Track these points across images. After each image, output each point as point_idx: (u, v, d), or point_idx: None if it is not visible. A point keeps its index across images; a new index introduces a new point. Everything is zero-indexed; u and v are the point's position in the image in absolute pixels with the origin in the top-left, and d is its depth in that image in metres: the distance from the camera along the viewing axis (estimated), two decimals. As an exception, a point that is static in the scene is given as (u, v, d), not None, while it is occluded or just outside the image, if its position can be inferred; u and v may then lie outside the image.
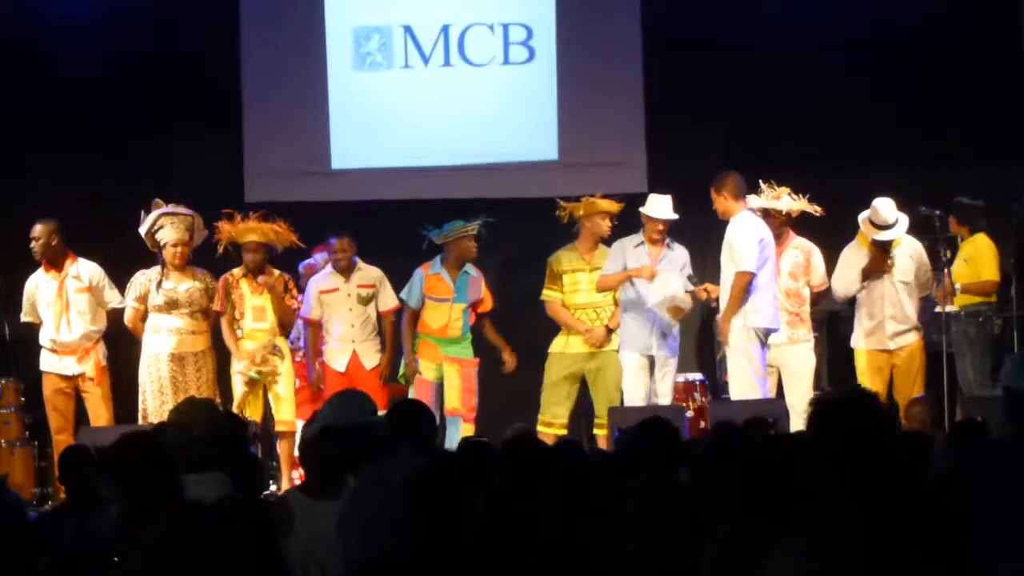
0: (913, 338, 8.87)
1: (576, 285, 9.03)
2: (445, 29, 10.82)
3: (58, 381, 8.89)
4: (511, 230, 9.42)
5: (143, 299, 8.66)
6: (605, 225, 9.01)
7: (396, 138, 10.82)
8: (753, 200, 8.61)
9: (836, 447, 3.16)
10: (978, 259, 9.00)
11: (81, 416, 8.96)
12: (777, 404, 7.98)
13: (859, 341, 8.96)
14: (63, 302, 8.88)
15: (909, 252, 8.97)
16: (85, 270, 8.95)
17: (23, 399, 9.28)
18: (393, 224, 9.92)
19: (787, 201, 8.84)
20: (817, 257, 8.96)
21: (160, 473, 3.86)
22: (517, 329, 9.37)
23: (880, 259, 8.85)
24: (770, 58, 10.46)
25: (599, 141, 10.63)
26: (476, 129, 10.83)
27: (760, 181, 8.86)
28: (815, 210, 8.85)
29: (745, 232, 8.22)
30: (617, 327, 8.90)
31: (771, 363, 8.63)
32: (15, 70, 10.40)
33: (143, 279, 8.71)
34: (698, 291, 8.62)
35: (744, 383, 8.11)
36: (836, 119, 10.42)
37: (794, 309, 8.79)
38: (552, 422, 8.94)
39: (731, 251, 8.21)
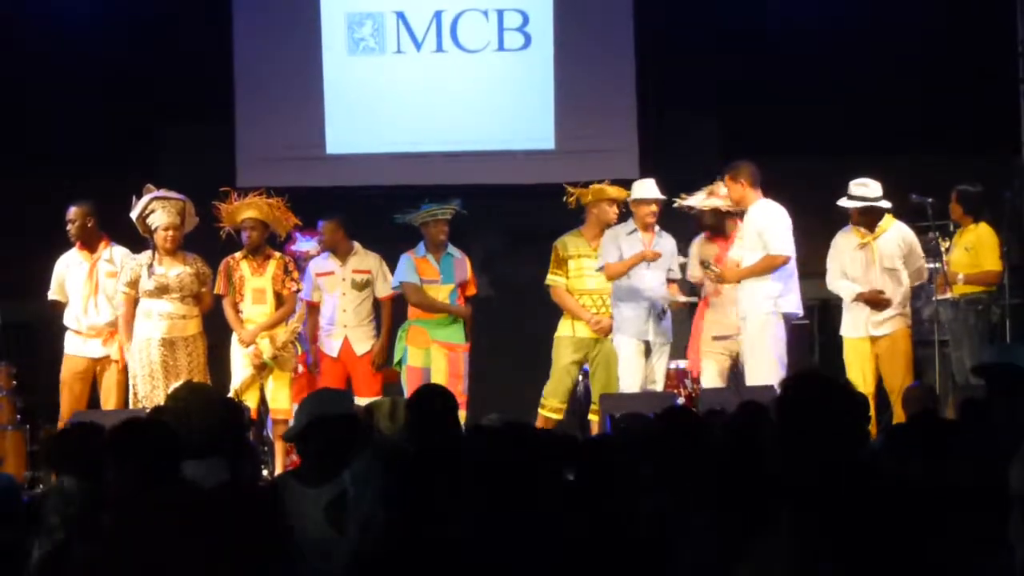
0: (897, 325, 8.85)
1: (582, 271, 9.02)
2: (438, 15, 10.83)
3: (80, 364, 8.85)
4: (505, 216, 9.43)
5: (133, 284, 8.65)
6: (612, 212, 9.01)
7: (391, 124, 10.84)
8: (692, 199, 8.67)
9: (799, 433, 3.16)
10: (981, 249, 9.00)
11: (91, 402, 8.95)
12: (769, 391, 7.95)
13: (845, 329, 8.94)
14: (93, 284, 8.87)
15: (897, 240, 8.95)
16: (118, 255, 8.95)
17: (15, 383, 9.27)
18: (388, 210, 9.91)
19: (722, 196, 8.79)
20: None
21: (162, 457, 3.86)
22: (510, 315, 9.38)
23: (874, 296, 8.81)
24: (764, 47, 10.48)
25: (592, 128, 10.66)
26: (471, 115, 10.85)
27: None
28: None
29: (779, 218, 8.24)
30: None
31: (724, 352, 8.72)
32: (2, 56, 10.39)
33: (133, 264, 8.68)
34: (707, 274, 8.63)
35: (770, 368, 8.09)
36: (829, 107, 10.44)
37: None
38: (560, 407, 8.93)
39: (763, 238, 8.22)
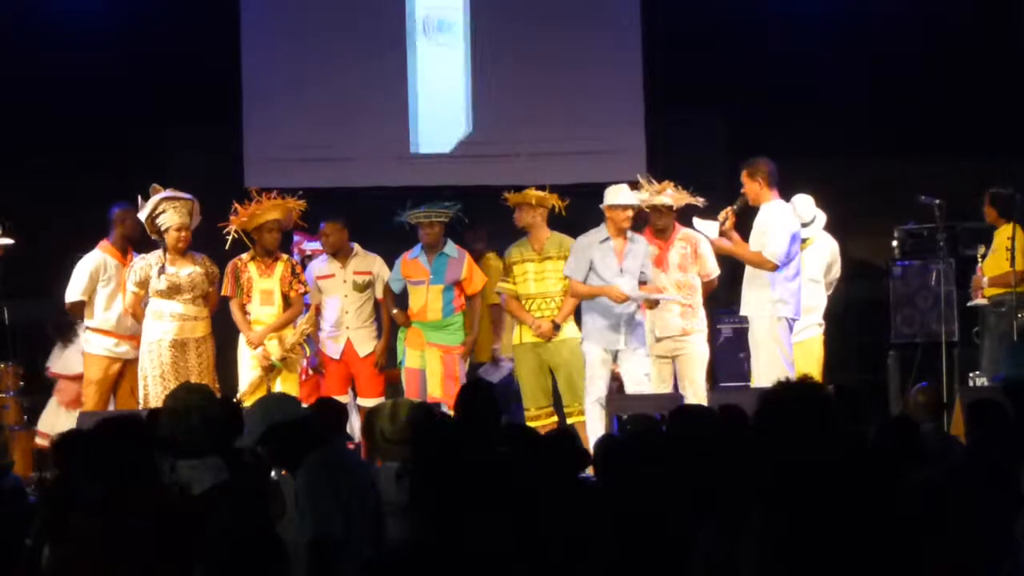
0: (814, 332, 8.83)
1: (525, 275, 8.99)
2: (445, 15, 10.84)
3: (111, 364, 8.88)
4: (512, 218, 9.38)
5: (143, 284, 8.64)
6: (524, 218, 8.98)
7: (397, 124, 10.85)
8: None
9: (778, 439, 3.15)
10: (999, 250, 8.97)
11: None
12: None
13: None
14: None
15: (824, 251, 8.92)
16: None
17: (22, 384, 9.28)
18: (393, 210, 9.91)
19: (670, 195, 8.79)
20: (705, 247, 8.82)
21: (140, 457, 3.85)
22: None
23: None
24: (770, 48, 10.48)
25: (599, 129, 10.66)
26: (478, 116, 10.85)
27: (638, 176, 8.81)
28: (698, 202, 8.77)
29: (782, 222, 8.23)
30: (564, 321, 8.86)
31: (666, 355, 8.71)
32: (11, 57, 10.41)
33: (142, 264, 8.67)
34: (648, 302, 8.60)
35: (775, 369, 8.08)
36: (835, 109, 10.42)
37: (686, 301, 8.76)
38: (539, 414, 8.88)
39: (764, 238, 8.23)
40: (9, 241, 8.96)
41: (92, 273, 8.88)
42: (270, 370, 8.64)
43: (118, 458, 3.76)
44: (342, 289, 9.10)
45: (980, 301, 9.05)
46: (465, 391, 5.92)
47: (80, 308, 8.92)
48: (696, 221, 8.51)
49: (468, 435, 5.19)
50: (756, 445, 3.16)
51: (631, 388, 8.50)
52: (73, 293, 8.87)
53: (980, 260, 9.11)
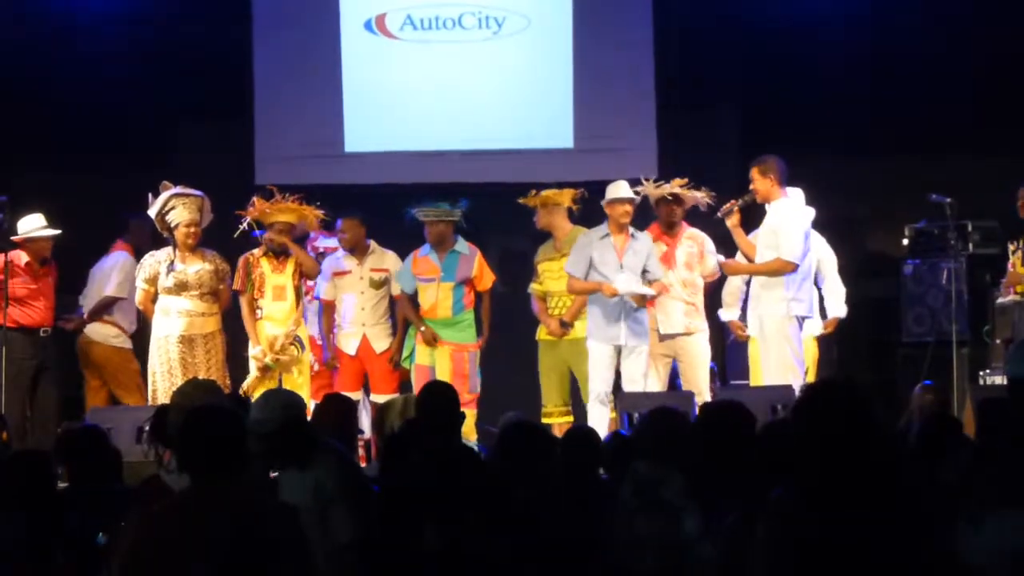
0: (810, 330, 8.81)
1: (545, 274, 9.09)
2: (456, 13, 10.85)
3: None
4: (523, 215, 9.40)
5: (152, 281, 8.67)
6: (541, 220, 9.08)
7: (410, 122, 10.87)
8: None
9: (817, 432, 3.15)
10: None
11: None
12: (785, 391, 7.96)
13: (753, 330, 8.87)
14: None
15: (813, 247, 8.90)
16: None
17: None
18: (405, 208, 9.93)
19: (679, 190, 8.81)
20: (710, 246, 8.90)
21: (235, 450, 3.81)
22: (527, 314, 9.36)
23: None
24: (783, 45, 10.46)
25: (611, 126, 10.67)
26: (490, 113, 10.87)
27: (641, 178, 8.81)
28: (705, 199, 8.76)
29: (795, 220, 8.23)
30: (573, 319, 8.90)
31: (669, 353, 8.72)
32: (21, 53, 10.43)
33: (152, 261, 8.72)
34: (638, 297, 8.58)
35: (785, 367, 8.11)
36: (847, 107, 10.40)
37: (691, 299, 8.77)
38: (552, 411, 8.91)
39: (777, 238, 8.22)
40: (56, 232, 9.10)
41: (127, 271, 9.21)
42: (266, 371, 8.65)
43: (213, 450, 3.71)
44: (359, 286, 9.13)
45: (1013, 297, 9.02)
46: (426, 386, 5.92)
47: (112, 304, 9.26)
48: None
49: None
50: (798, 443, 3.16)
51: (627, 387, 8.51)
52: (123, 289, 9.26)
53: (1012, 255, 9.10)
